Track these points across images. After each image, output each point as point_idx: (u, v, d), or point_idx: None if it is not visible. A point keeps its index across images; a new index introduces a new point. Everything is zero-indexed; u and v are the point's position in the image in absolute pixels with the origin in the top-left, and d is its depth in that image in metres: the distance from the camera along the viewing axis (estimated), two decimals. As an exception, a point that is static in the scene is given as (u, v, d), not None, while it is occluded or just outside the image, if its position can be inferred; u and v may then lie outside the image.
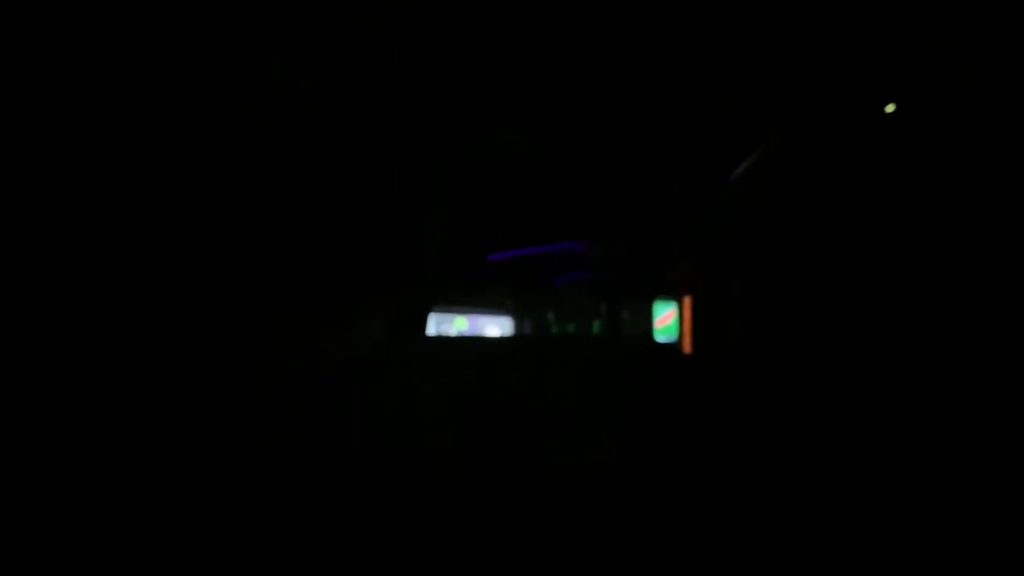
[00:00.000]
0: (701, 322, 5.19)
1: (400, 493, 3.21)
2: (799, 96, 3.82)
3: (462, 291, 7.36)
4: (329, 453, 3.48)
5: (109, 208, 2.87)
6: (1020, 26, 2.80)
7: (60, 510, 2.45)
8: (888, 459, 2.88)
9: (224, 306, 3.34)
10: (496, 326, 8.20)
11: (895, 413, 2.97)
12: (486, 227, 5.89)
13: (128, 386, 2.83)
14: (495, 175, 4.87)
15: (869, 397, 3.10)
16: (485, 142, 4.30)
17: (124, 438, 2.75)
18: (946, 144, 3.05)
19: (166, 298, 3.05)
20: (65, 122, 2.72)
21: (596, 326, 7.47)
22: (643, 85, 3.97)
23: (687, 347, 5.36)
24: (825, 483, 2.95)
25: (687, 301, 5.58)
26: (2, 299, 2.53)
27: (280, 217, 3.65)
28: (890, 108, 3.21)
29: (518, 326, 8.12)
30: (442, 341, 6.74)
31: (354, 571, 2.65)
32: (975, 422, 2.70)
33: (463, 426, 3.86)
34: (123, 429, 2.75)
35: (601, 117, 4.20)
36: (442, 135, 4.06)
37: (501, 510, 3.08)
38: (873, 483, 2.84)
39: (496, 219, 5.75)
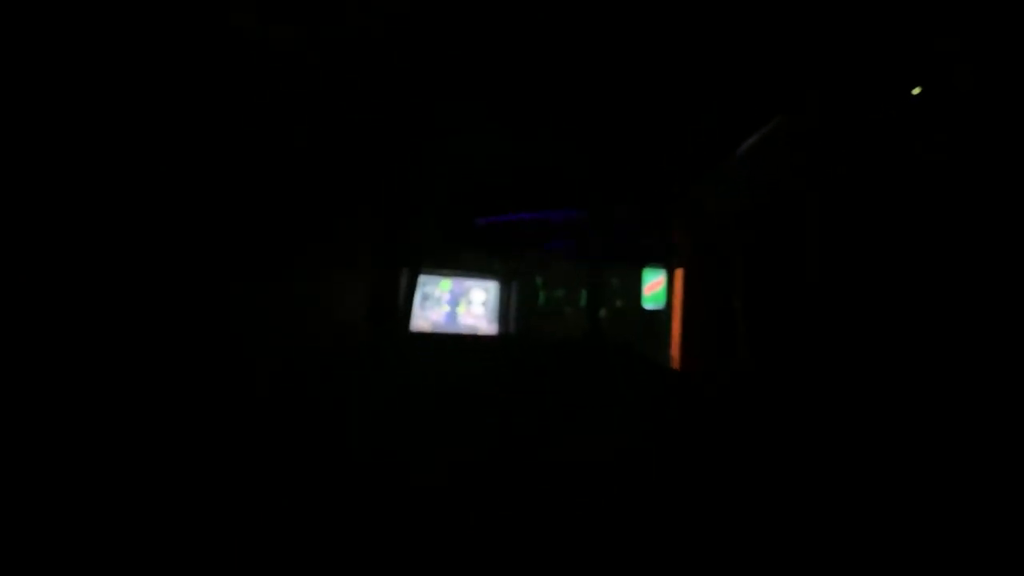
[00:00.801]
0: (693, 301, 5.22)
1: (393, 490, 3.15)
2: (804, 85, 3.77)
3: (449, 254, 7.35)
4: (320, 446, 3.41)
5: (98, 200, 2.83)
6: (1020, 26, 2.80)
7: (52, 507, 2.46)
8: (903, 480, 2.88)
9: (204, 291, 3.28)
10: (482, 289, 8.25)
11: (911, 424, 2.96)
12: (477, 191, 5.83)
13: (109, 379, 2.82)
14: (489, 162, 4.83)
15: (881, 405, 3.09)
16: (480, 138, 4.24)
17: (107, 434, 2.74)
18: (946, 144, 3.06)
19: (144, 285, 3.02)
20: (57, 113, 2.65)
21: (584, 293, 7.56)
22: (645, 67, 3.89)
23: (676, 333, 5.40)
24: (829, 489, 2.98)
25: (679, 274, 5.66)
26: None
27: (260, 193, 3.56)
28: (916, 91, 3.14)
29: (505, 290, 8.17)
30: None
31: (347, 571, 2.65)
32: (979, 428, 2.71)
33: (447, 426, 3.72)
34: (106, 424, 2.75)
35: (601, 103, 4.14)
36: (441, 134, 4.01)
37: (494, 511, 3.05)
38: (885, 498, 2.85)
39: (487, 184, 5.69)
